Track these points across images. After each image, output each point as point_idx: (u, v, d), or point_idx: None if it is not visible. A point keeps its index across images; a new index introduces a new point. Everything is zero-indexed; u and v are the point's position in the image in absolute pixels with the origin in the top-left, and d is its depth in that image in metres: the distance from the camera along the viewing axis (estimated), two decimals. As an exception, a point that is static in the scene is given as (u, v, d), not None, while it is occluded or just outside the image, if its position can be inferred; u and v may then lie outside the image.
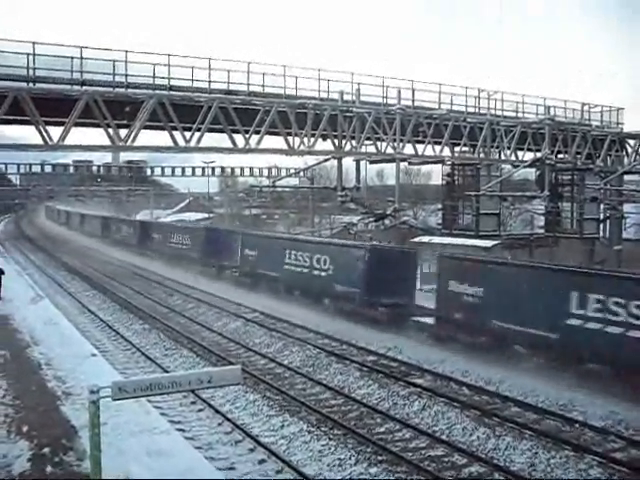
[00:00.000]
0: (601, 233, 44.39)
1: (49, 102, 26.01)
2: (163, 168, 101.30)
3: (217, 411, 16.18)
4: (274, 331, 24.42)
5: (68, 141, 26.59)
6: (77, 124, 26.37)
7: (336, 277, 27.29)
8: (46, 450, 11.58)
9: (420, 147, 35.55)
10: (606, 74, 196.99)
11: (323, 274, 28.14)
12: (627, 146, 44.64)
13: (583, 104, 43.93)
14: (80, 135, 28.96)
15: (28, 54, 26.35)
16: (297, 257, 29.95)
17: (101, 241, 66.85)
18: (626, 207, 45.52)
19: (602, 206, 43.89)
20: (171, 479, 9.99)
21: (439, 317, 22.99)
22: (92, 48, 28.04)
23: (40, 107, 25.36)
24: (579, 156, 40.98)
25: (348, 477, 12.69)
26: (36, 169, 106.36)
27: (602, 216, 44.39)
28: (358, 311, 25.79)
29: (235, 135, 29.78)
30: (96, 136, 29.89)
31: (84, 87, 27.19)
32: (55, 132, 26.17)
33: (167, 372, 17.97)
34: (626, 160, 44.58)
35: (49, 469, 10.88)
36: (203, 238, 41.92)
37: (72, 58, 27.23)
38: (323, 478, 12.67)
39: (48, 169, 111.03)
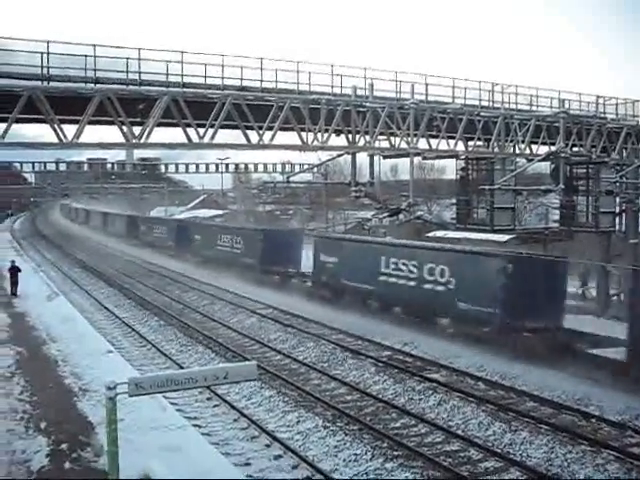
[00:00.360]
0: (617, 227, 44.04)
1: (63, 100, 26.05)
2: (177, 165, 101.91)
3: (233, 407, 16.21)
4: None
5: (82, 139, 26.59)
6: (91, 122, 26.40)
7: (459, 293, 22.45)
8: (64, 446, 11.71)
9: (434, 142, 35.33)
10: (623, 65, 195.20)
11: (440, 288, 23.32)
12: (643, 139, 44.16)
13: (598, 97, 43.49)
14: (94, 133, 29.13)
15: (42, 53, 26.39)
16: (399, 266, 25.26)
17: (128, 242, 62.79)
18: (642, 200, 45.05)
19: (618, 199, 43.50)
20: (189, 479, 10.02)
21: (634, 352, 17.46)
22: (105, 46, 28.07)
23: (54, 105, 25.40)
24: (594, 149, 40.55)
25: (364, 472, 12.69)
26: (51, 167, 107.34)
27: (618, 209, 44.03)
28: (495, 337, 20.78)
29: (248, 131, 29.72)
30: (110, 134, 30.00)
31: (98, 85, 27.21)
32: (70, 130, 26.21)
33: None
34: (642, 153, 44.11)
35: (67, 465, 11.00)
36: (261, 241, 37.47)
37: (86, 56, 27.23)
38: (339, 474, 12.67)
39: (63, 167, 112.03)
